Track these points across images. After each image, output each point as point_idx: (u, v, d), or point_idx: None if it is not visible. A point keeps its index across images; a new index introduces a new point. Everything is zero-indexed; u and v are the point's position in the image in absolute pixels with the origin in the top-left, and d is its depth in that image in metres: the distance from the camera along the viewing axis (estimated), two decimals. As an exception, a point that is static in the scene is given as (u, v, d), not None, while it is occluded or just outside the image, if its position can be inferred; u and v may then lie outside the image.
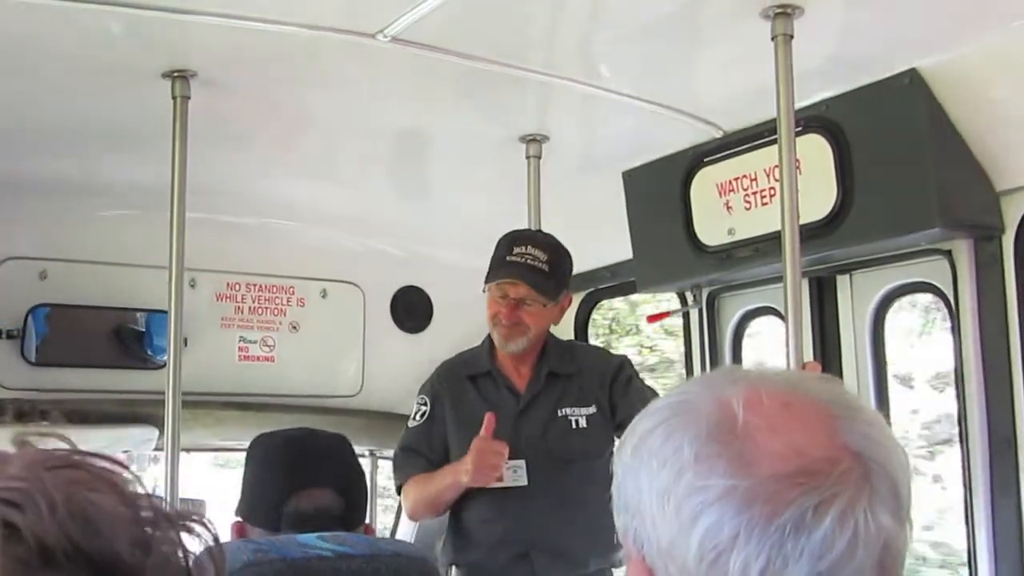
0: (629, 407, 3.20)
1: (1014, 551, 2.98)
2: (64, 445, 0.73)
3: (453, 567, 3.47)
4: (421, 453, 3.40)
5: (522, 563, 3.27)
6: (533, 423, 3.31)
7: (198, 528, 0.73)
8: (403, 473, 3.42)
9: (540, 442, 3.29)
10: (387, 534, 4.89)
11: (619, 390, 3.31)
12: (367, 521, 2.13)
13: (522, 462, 3.25)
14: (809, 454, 0.89)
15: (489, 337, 3.41)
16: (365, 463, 4.69)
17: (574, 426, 3.30)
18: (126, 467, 0.73)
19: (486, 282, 3.28)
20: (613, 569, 3.36)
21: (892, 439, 0.95)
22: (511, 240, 3.30)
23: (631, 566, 0.97)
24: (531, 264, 3.25)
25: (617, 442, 3.30)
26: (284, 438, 2.19)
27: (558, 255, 3.32)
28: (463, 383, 3.41)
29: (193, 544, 0.74)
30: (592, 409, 3.31)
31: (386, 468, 4.86)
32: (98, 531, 0.67)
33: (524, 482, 3.25)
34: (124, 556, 0.67)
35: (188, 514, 0.72)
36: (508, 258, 3.26)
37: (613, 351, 4.22)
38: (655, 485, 0.93)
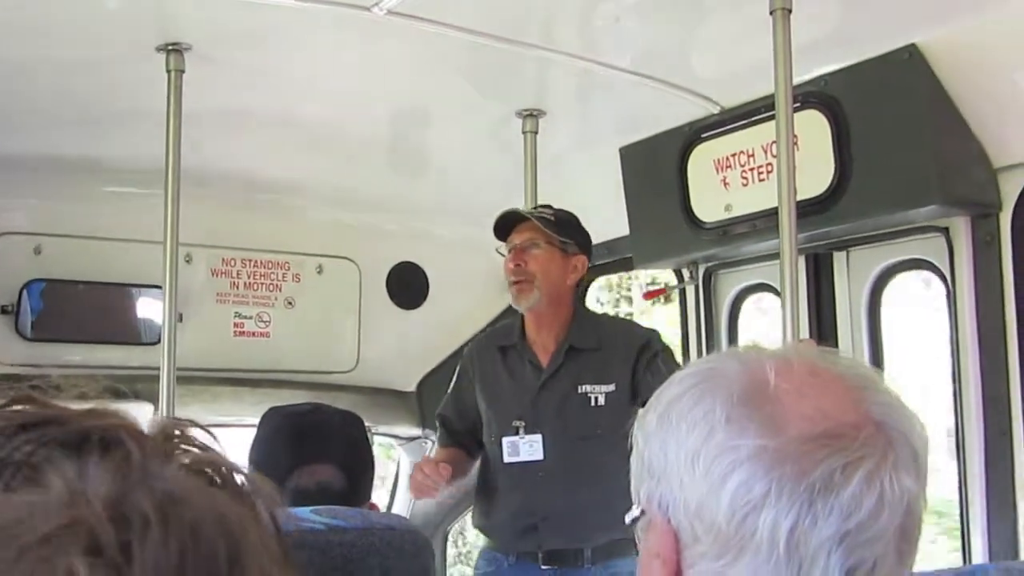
0: (650, 388, 3.18)
1: (1008, 526, 2.98)
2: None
3: (480, 531, 3.61)
4: (446, 423, 3.59)
5: (531, 534, 3.35)
6: (552, 399, 3.36)
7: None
8: (437, 441, 3.65)
9: (557, 418, 3.33)
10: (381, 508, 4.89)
11: (642, 369, 3.31)
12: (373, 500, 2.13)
13: (539, 436, 3.32)
14: (836, 418, 0.92)
15: None
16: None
17: (592, 403, 3.32)
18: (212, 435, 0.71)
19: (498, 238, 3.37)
20: (626, 541, 3.37)
21: (911, 412, 0.97)
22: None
23: (652, 532, 0.97)
24: (534, 212, 3.37)
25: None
26: (288, 413, 2.18)
27: (563, 212, 3.41)
28: (493, 352, 3.49)
29: None
30: (612, 387, 3.32)
31: (381, 444, 4.87)
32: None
33: (540, 456, 3.31)
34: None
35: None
36: (500, 216, 3.36)
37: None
38: (684, 447, 0.94)
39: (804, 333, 3.39)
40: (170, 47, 2.98)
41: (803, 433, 0.90)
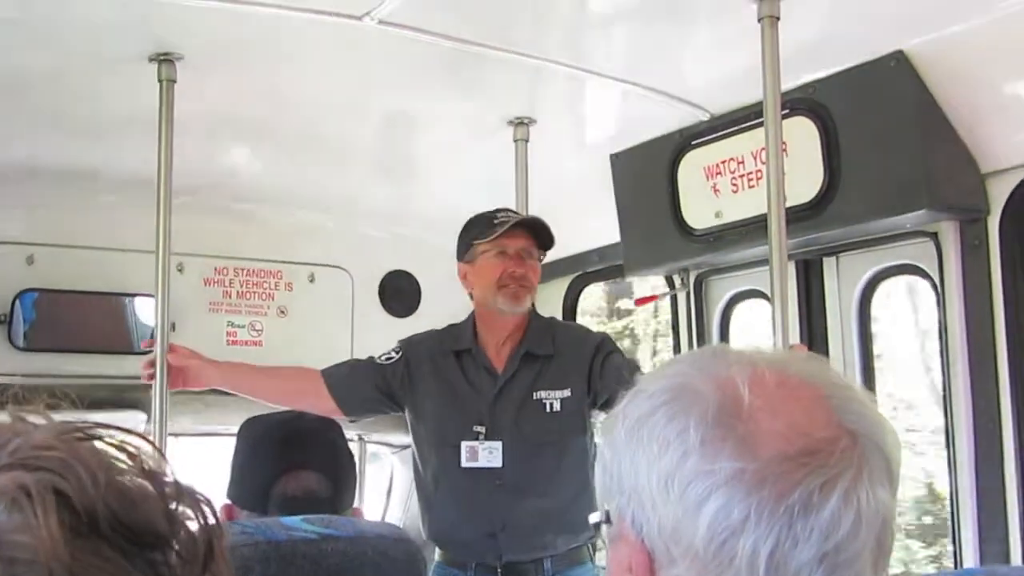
0: (608, 387, 3.22)
1: (999, 529, 2.99)
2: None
3: (434, 544, 3.49)
4: (356, 375, 3.45)
5: (490, 542, 3.29)
6: (508, 405, 3.31)
7: (205, 507, 0.75)
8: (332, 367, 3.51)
9: (514, 425, 3.29)
10: (376, 517, 4.89)
11: (597, 370, 3.29)
12: (356, 505, 2.14)
13: (498, 443, 3.27)
14: (810, 434, 0.91)
15: (472, 315, 3.44)
16: (353, 447, 4.65)
17: (548, 409, 3.29)
18: (149, 440, 0.75)
19: (478, 240, 3.30)
20: (584, 547, 3.37)
21: (882, 416, 0.96)
22: (491, 212, 3.35)
23: (623, 547, 0.96)
24: (523, 217, 3.33)
25: (594, 422, 3.35)
26: (271, 421, 2.20)
27: (536, 216, 3.38)
28: (447, 356, 3.41)
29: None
30: (567, 392, 3.30)
31: (375, 452, 4.87)
32: (134, 503, 0.68)
33: (499, 463, 3.27)
34: (159, 527, 0.69)
35: (198, 492, 0.75)
36: (496, 221, 3.29)
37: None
38: (657, 468, 0.93)
39: (795, 338, 3.41)
40: (162, 57, 2.99)
41: (779, 453, 0.89)
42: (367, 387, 3.43)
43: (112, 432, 0.73)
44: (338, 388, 3.43)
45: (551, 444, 3.28)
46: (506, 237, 3.27)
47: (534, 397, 3.31)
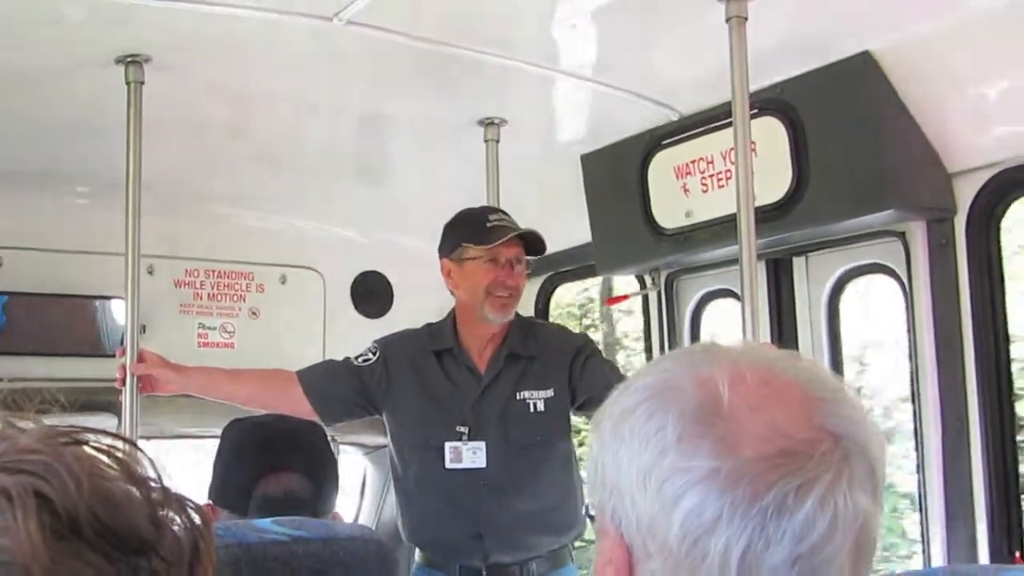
0: (588, 388, 3.22)
1: (967, 528, 3.02)
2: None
3: (415, 546, 3.48)
4: (333, 377, 3.40)
5: (475, 544, 3.27)
6: (492, 405, 3.29)
7: (196, 517, 0.75)
8: (307, 369, 3.45)
9: (499, 425, 3.27)
10: (348, 519, 4.88)
11: (578, 371, 3.28)
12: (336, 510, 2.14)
13: (482, 444, 3.25)
14: (790, 435, 0.90)
15: (452, 313, 3.40)
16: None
17: (532, 409, 3.28)
18: (134, 444, 0.75)
19: (469, 243, 3.24)
20: (567, 548, 3.38)
21: (869, 420, 0.95)
22: (482, 211, 3.33)
23: (605, 541, 0.97)
24: (516, 225, 3.28)
25: (574, 422, 3.34)
26: (255, 423, 2.22)
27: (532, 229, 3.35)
28: (428, 357, 3.37)
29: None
30: (550, 392, 3.29)
31: (348, 455, 4.86)
32: (119, 507, 0.69)
33: (483, 464, 3.25)
34: (143, 532, 0.70)
35: (184, 496, 0.75)
36: (489, 224, 3.25)
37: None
38: (636, 463, 0.93)
39: (765, 337, 3.43)
40: (129, 59, 2.98)
41: (757, 453, 0.89)
42: (345, 390, 3.39)
43: (100, 437, 0.74)
44: (315, 392, 3.38)
45: (536, 445, 3.26)
46: (504, 247, 3.23)
47: (518, 397, 3.29)
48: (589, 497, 1.02)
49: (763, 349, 1.03)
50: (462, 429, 3.27)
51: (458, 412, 3.28)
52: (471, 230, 3.27)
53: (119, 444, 0.74)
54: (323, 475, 2.11)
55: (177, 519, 0.73)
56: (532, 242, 3.29)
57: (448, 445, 3.26)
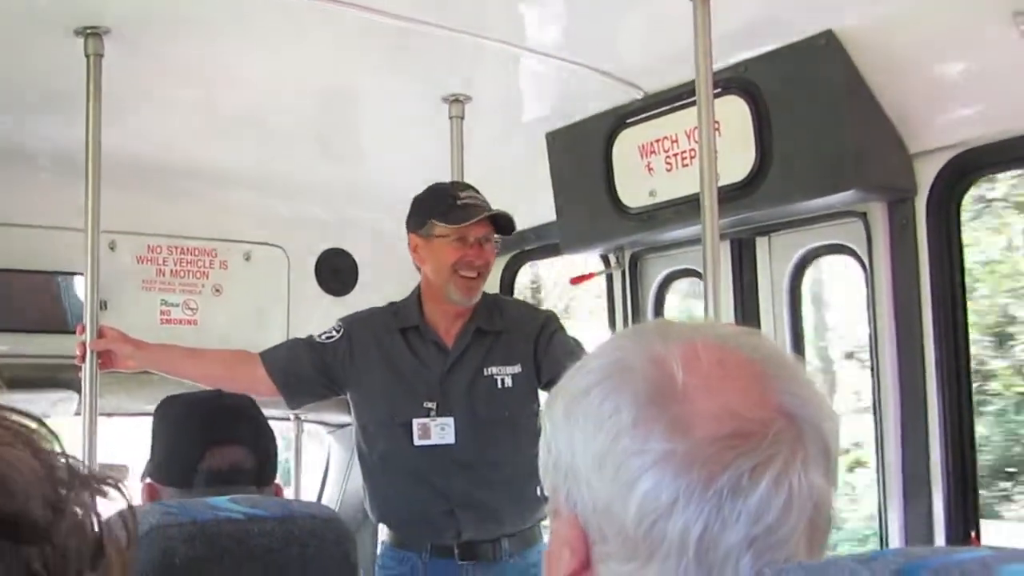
0: (553, 364, 3.22)
1: (924, 508, 3.05)
2: None
3: (382, 524, 3.47)
4: (297, 357, 3.38)
5: (447, 520, 3.27)
6: (460, 381, 3.29)
7: (112, 492, 0.70)
8: (271, 350, 3.44)
9: (466, 401, 3.27)
10: (312, 497, 4.88)
11: (543, 347, 3.28)
12: (278, 481, 2.14)
13: (450, 419, 3.24)
14: (744, 415, 0.89)
15: (417, 290, 3.39)
16: (290, 427, 4.68)
17: (500, 385, 3.28)
18: (42, 423, 0.70)
19: (439, 221, 3.23)
20: (536, 527, 3.39)
21: (822, 398, 0.95)
22: (452, 187, 3.33)
23: (561, 523, 0.96)
24: (486, 205, 3.27)
25: (543, 400, 3.35)
26: (193, 399, 2.22)
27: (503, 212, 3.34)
28: (393, 334, 3.36)
29: (108, 507, 0.72)
30: (518, 368, 3.29)
31: (311, 432, 4.85)
32: (10, 488, 0.64)
33: (451, 440, 3.24)
34: (34, 516, 0.64)
35: (103, 476, 0.69)
36: (460, 202, 3.23)
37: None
38: (591, 447, 0.92)
39: (728, 317, 3.45)
40: (88, 30, 2.94)
41: (711, 434, 0.88)
42: (309, 369, 3.37)
43: (9, 413, 0.69)
44: (279, 372, 3.36)
45: (504, 421, 3.26)
46: (475, 226, 3.22)
47: (485, 373, 3.29)
48: (542, 478, 1.02)
49: (717, 326, 1.03)
50: (429, 405, 3.26)
51: (424, 388, 3.27)
52: (440, 207, 3.25)
53: (30, 423, 0.68)
54: (265, 447, 2.12)
55: (86, 501, 0.67)
56: (501, 221, 3.28)
57: (416, 422, 3.25)
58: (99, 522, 0.69)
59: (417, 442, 3.25)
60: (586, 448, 0.93)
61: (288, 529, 1.78)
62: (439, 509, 3.27)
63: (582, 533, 0.94)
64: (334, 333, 3.40)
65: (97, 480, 0.69)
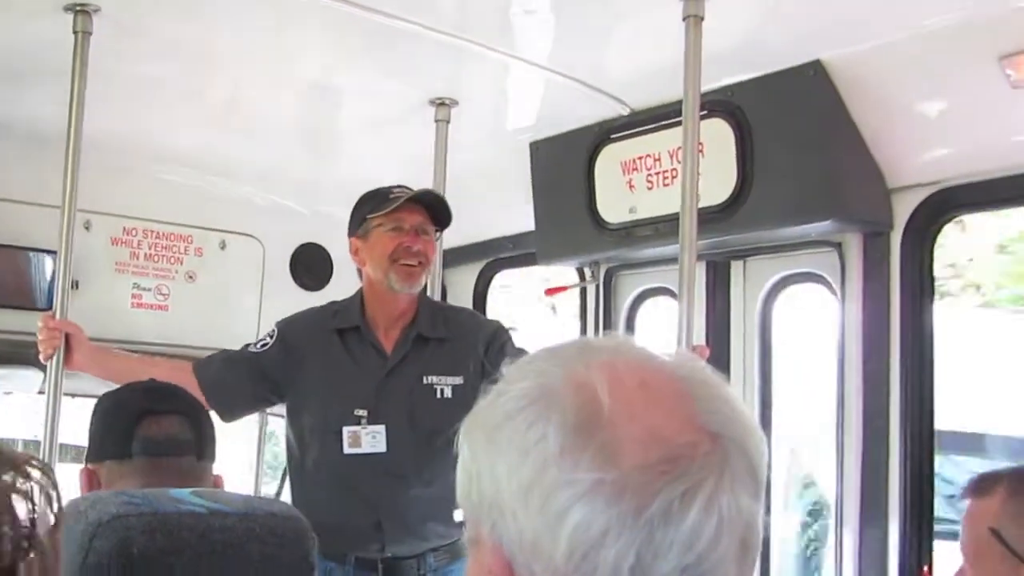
0: None
1: (879, 539, 3.07)
2: None
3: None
4: (232, 373, 3.29)
5: (374, 533, 3.18)
6: (397, 388, 3.20)
7: (36, 473, 0.69)
8: (203, 362, 3.35)
9: (402, 409, 3.18)
10: (272, 492, 4.87)
11: (493, 358, 3.18)
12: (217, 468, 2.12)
13: (382, 427, 3.15)
14: (670, 439, 0.88)
15: (360, 292, 3.33)
16: (254, 418, 4.66)
17: (438, 395, 3.20)
18: None
19: (373, 214, 3.19)
20: (460, 542, 3.31)
21: (747, 415, 0.94)
22: (384, 188, 3.25)
23: (484, 553, 0.94)
24: (420, 192, 3.22)
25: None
26: (128, 384, 2.22)
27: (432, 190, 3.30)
28: (331, 336, 3.27)
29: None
30: (459, 379, 3.21)
31: (274, 424, 4.83)
32: None
33: (383, 448, 3.15)
34: None
35: (27, 457, 0.68)
36: (392, 195, 3.19)
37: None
38: (516, 477, 0.90)
39: (700, 338, 3.46)
40: (78, 7, 2.92)
41: (639, 462, 0.86)
42: (245, 383, 3.29)
43: None
44: (213, 391, 3.21)
45: (440, 432, 3.17)
46: (402, 211, 3.16)
47: (424, 382, 3.20)
48: (461, 505, 0.99)
49: (637, 346, 0.99)
50: (360, 413, 3.17)
51: (359, 394, 3.18)
52: (374, 203, 3.22)
53: None
54: (202, 421, 2.10)
55: (10, 482, 0.66)
56: (438, 213, 3.23)
57: (346, 430, 3.16)
58: (8, 500, 0.67)
59: (347, 450, 3.15)
60: (511, 478, 0.90)
61: (249, 526, 1.77)
62: (366, 520, 3.18)
63: (507, 565, 0.91)
64: (268, 339, 3.32)
65: (20, 461, 0.69)
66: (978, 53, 2.69)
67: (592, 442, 0.88)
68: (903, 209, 3.06)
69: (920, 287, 3.05)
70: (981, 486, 1.86)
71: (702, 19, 2.70)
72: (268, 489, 5.37)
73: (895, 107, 2.95)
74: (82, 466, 2.06)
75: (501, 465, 0.92)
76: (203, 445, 2.06)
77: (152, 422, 2.02)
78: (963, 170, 2.95)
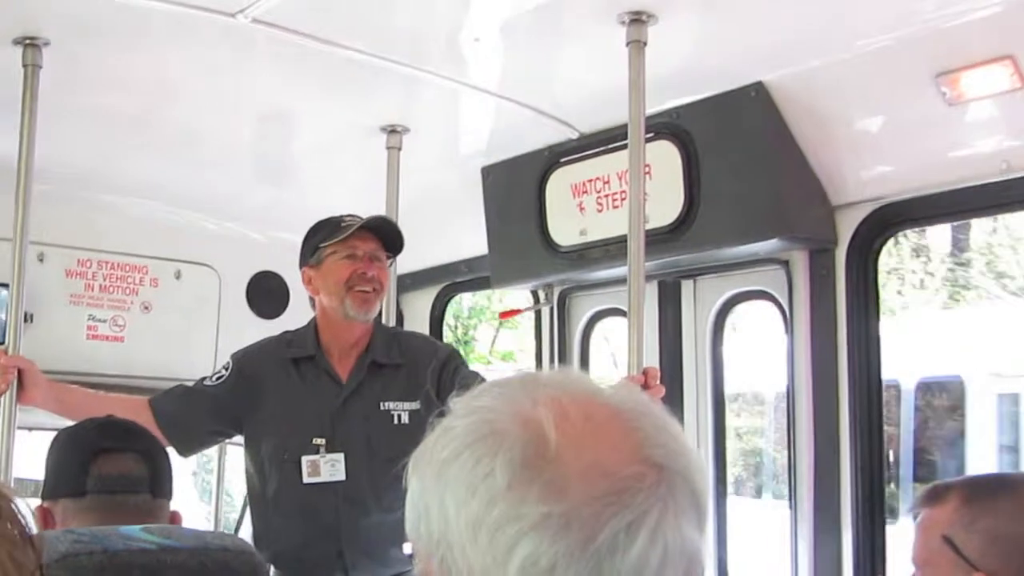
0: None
1: (834, 548, 3.11)
2: None
3: (272, 563, 3.26)
4: (188, 408, 3.25)
5: (336, 562, 3.17)
6: (354, 416, 3.20)
7: (6, 510, 0.67)
8: (159, 398, 3.28)
9: (360, 436, 3.18)
10: (232, 523, 4.83)
11: (447, 383, 3.17)
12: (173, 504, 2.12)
13: (341, 455, 3.15)
14: (616, 472, 0.89)
15: (313, 321, 3.32)
16: (213, 450, 4.64)
17: (396, 421, 3.20)
18: None
19: (326, 242, 3.19)
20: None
21: (688, 446, 0.96)
22: (335, 217, 3.25)
23: None
24: (371, 219, 3.21)
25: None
26: (86, 420, 2.22)
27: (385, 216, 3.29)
28: (286, 365, 3.26)
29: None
30: (416, 404, 3.21)
31: (233, 454, 4.81)
32: None
33: (342, 477, 3.14)
34: None
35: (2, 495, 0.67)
36: (344, 223, 3.19)
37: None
38: (464, 513, 0.91)
39: (653, 357, 3.50)
40: (27, 41, 2.93)
41: (586, 494, 0.87)
42: (202, 419, 3.27)
43: None
44: (170, 427, 3.18)
45: (399, 458, 3.13)
46: (355, 239, 3.17)
47: (381, 408, 3.20)
48: (410, 538, 1.00)
49: (582, 379, 1.01)
50: (319, 441, 3.16)
51: (316, 423, 3.17)
52: (326, 232, 3.23)
53: None
54: (157, 459, 2.10)
55: None
56: (390, 240, 3.23)
57: (305, 459, 3.15)
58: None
59: (306, 479, 3.14)
60: (459, 514, 0.92)
61: (201, 561, 1.76)
62: (327, 548, 3.17)
63: None
64: (224, 372, 3.30)
65: None
66: (915, 72, 2.76)
67: (540, 477, 0.89)
68: (847, 226, 3.12)
69: (865, 300, 3.11)
70: (934, 495, 1.88)
71: (645, 44, 2.75)
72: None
73: (836, 126, 3.01)
74: (39, 503, 2.06)
75: (450, 500, 0.93)
76: (159, 482, 2.06)
77: (107, 459, 2.02)
78: (904, 186, 3.01)
